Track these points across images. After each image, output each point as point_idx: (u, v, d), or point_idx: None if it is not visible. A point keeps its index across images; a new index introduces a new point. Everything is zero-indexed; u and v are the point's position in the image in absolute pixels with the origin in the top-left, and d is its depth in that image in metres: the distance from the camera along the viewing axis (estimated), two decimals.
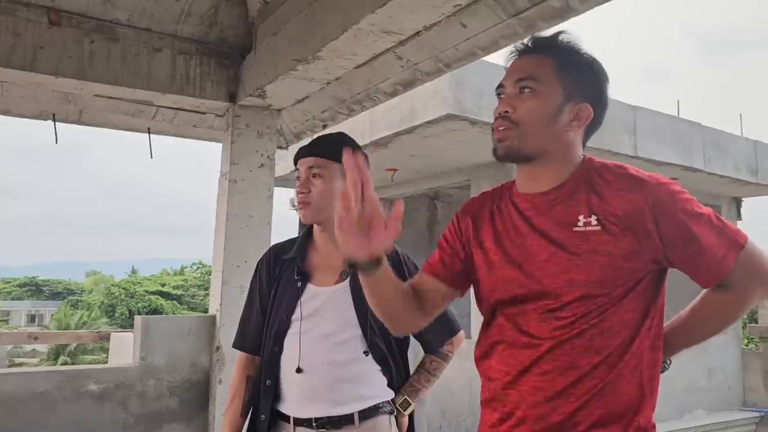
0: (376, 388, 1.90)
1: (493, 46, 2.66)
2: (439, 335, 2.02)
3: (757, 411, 8.13)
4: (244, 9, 3.62)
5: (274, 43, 3.18)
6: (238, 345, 2.04)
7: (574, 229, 1.29)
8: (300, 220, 1.99)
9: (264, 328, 1.96)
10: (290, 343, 1.88)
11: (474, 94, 5.19)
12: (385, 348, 1.90)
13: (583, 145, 1.41)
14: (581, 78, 1.37)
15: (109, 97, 3.59)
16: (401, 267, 1.98)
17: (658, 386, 1.31)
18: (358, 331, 1.87)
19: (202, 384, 3.50)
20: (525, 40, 1.43)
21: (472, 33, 2.57)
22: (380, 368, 1.90)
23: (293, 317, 1.89)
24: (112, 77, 3.28)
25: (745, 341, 10.70)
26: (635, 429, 1.25)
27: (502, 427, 1.33)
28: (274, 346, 1.90)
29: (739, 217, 8.91)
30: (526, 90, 1.36)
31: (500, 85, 1.41)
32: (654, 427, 1.30)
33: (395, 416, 1.94)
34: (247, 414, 1.95)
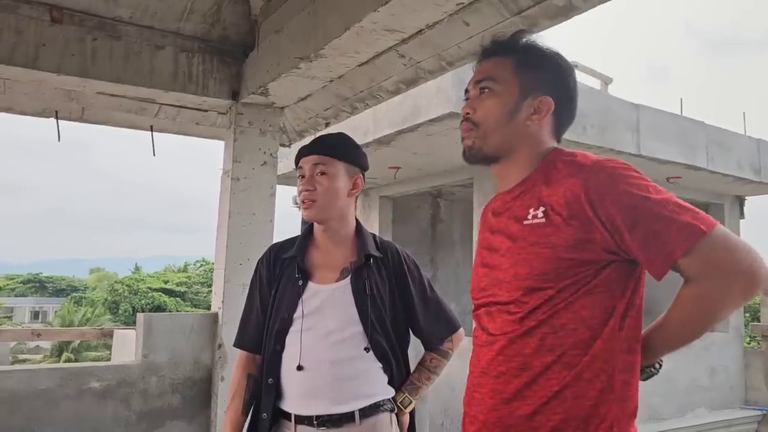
0: (378, 386, 1.91)
1: None
2: (439, 333, 2.04)
3: (759, 409, 8.12)
4: (246, 7, 3.61)
5: (277, 40, 3.18)
6: (238, 344, 2.04)
7: (524, 222, 1.29)
8: (302, 218, 2.01)
9: (264, 327, 1.97)
10: (292, 341, 1.89)
11: None
12: (386, 345, 1.91)
13: (558, 139, 1.41)
14: (540, 73, 1.38)
15: (112, 95, 3.59)
16: (401, 266, 1.99)
17: (635, 391, 1.23)
18: (360, 328, 1.87)
19: (205, 381, 3.50)
20: (486, 43, 1.46)
21: (474, 31, 2.57)
22: (381, 366, 1.91)
23: (295, 315, 1.89)
24: (114, 75, 3.28)
25: (748, 339, 10.69)
26: None
27: (470, 429, 1.33)
28: (276, 344, 1.90)
29: (742, 215, 8.88)
30: (485, 90, 1.39)
31: (466, 90, 1.46)
32: None
33: (396, 414, 1.94)
34: (248, 412, 1.95)
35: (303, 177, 1.96)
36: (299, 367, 1.85)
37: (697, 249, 1.13)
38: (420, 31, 2.56)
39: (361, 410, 1.85)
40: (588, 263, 1.20)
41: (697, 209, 1.19)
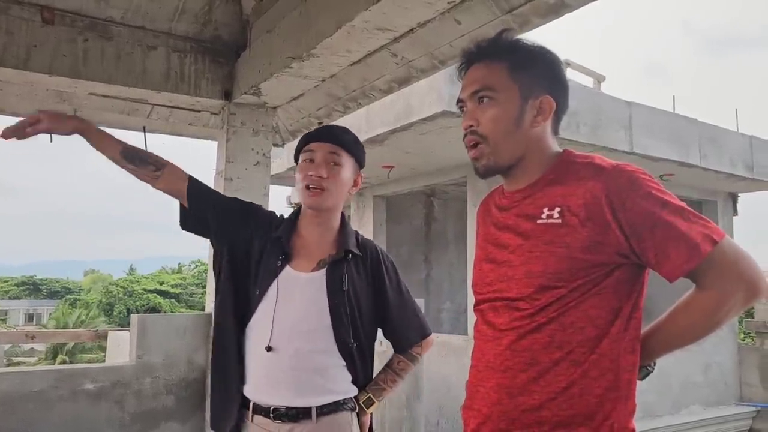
0: (340, 384, 1.88)
1: None
2: (410, 337, 2.04)
3: (753, 405, 8.16)
4: (238, 6, 3.61)
5: (269, 40, 3.18)
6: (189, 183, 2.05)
7: (538, 221, 1.29)
8: (304, 203, 1.98)
9: (216, 222, 1.99)
10: (261, 320, 1.86)
11: None
12: (352, 343, 1.88)
13: (556, 132, 1.42)
14: (535, 71, 1.37)
15: (104, 96, 3.58)
16: (379, 265, 1.98)
17: (635, 390, 1.27)
18: (328, 322, 1.84)
19: (199, 382, 3.50)
20: (471, 48, 1.42)
21: (466, 30, 2.57)
22: (345, 363, 1.87)
23: (268, 295, 1.86)
24: (106, 75, 3.27)
25: (742, 336, 10.74)
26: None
27: (472, 424, 1.33)
28: (242, 314, 1.89)
29: (735, 212, 8.92)
30: (485, 100, 1.35)
31: (459, 100, 1.41)
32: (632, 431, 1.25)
33: (357, 414, 1.92)
34: (128, 158, 1.97)
35: (312, 161, 1.91)
36: (269, 348, 1.82)
37: (712, 257, 1.18)
38: (412, 29, 2.56)
39: (318, 408, 1.82)
40: (600, 265, 1.22)
41: (708, 219, 1.24)
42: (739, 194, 8.91)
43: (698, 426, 7.50)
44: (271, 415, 1.81)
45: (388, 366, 2.04)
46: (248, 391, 1.86)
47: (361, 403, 1.92)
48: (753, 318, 9.14)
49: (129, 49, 3.33)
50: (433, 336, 2.13)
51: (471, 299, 1.52)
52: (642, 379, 1.33)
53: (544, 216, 1.28)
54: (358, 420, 1.92)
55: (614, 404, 1.22)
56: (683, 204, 1.23)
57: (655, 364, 1.36)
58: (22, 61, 3.06)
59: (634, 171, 1.24)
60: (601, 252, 1.22)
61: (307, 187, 1.89)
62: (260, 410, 1.82)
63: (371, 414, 1.99)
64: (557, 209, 1.26)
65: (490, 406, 1.28)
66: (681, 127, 7.02)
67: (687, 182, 7.66)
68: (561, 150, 1.39)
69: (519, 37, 1.42)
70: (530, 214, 1.31)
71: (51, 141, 3.98)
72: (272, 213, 2.09)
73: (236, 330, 1.89)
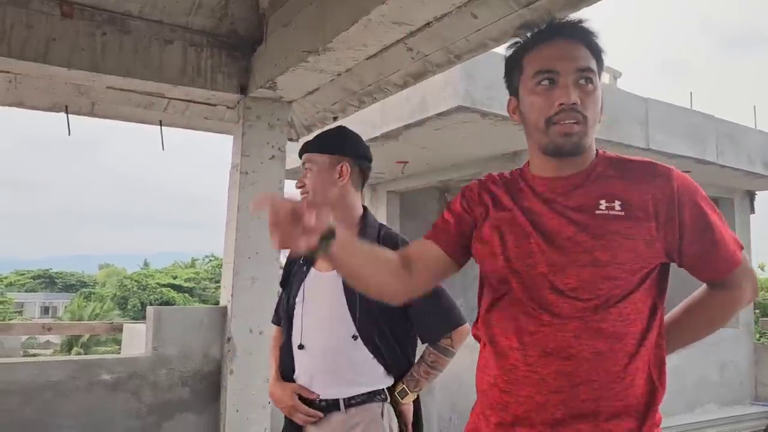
0: (368, 376, 1.93)
1: (504, 37, 2.65)
2: (435, 327, 2.00)
3: None
4: (254, 1, 3.61)
5: (285, 34, 3.18)
6: (274, 320, 2.27)
7: (596, 212, 1.28)
8: None
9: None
10: (296, 322, 2.03)
11: (485, 85, 5.16)
12: (376, 334, 1.92)
13: None
14: (600, 66, 1.37)
15: (121, 89, 3.61)
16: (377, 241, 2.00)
17: (666, 383, 1.30)
18: (348, 316, 1.92)
19: (214, 374, 3.52)
20: (563, 22, 1.38)
21: (483, 24, 2.56)
22: (373, 355, 1.92)
23: (297, 299, 2.03)
24: (123, 69, 3.29)
25: (758, 336, 10.63)
26: (653, 422, 1.25)
27: (517, 411, 1.28)
28: (286, 324, 2.07)
29: (752, 210, 8.82)
30: (588, 82, 1.31)
31: (551, 70, 1.31)
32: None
33: (394, 404, 1.95)
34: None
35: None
36: (300, 346, 1.97)
37: (743, 257, 1.32)
38: (428, 23, 2.55)
39: (346, 399, 1.89)
40: (652, 260, 1.27)
41: None
42: (756, 192, 8.81)
43: (713, 425, 7.44)
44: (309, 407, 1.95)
45: (421, 358, 2.03)
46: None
47: (395, 393, 1.96)
48: None
49: (146, 43, 3.35)
50: (468, 327, 2.00)
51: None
52: None
53: (603, 207, 1.28)
54: (396, 410, 1.96)
55: (656, 395, 1.27)
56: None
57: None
58: (41, 55, 3.09)
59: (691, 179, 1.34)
60: (657, 248, 1.26)
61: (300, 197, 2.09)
62: (304, 402, 1.96)
63: (417, 404, 2.03)
64: (618, 202, 1.27)
65: (546, 394, 1.24)
66: (698, 123, 6.96)
67: (703, 179, 7.58)
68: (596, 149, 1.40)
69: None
70: (585, 204, 1.30)
71: (69, 134, 4.03)
72: None
73: (287, 332, 2.07)
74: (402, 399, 1.96)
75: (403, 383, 1.97)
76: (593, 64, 1.33)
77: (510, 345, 1.30)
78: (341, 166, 2.03)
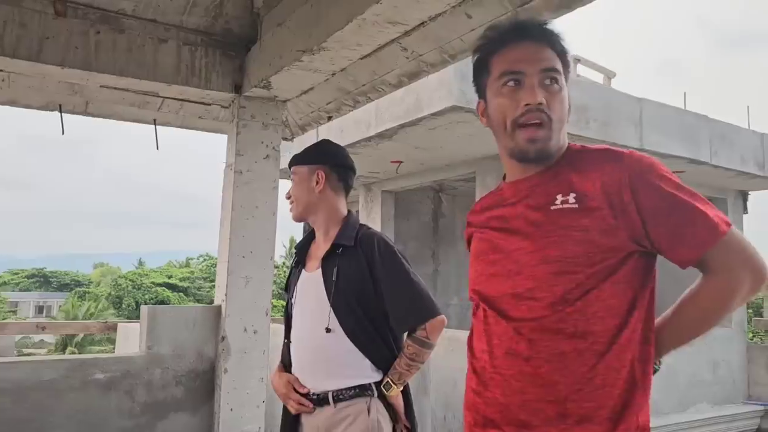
0: (355, 368, 2.02)
1: None
2: (408, 320, 2.06)
3: (761, 404, 8.12)
4: (249, 0, 3.61)
5: (279, 33, 3.18)
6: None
7: (552, 208, 1.28)
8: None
9: None
10: (292, 320, 2.22)
11: None
12: (357, 329, 2.02)
13: None
14: (567, 61, 1.37)
15: (115, 88, 3.60)
16: (372, 253, 2.07)
17: (651, 383, 1.26)
18: (330, 312, 2.05)
19: (208, 373, 3.52)
20: (526, 24, 1.39)
21: (477, 24, 2.57)
22: (356, 347, 2.02)
23: (293, 299, 2.22)
24: (117, 68, 3.28)
25: (750, 335, 10.69)
26: (629, 425, 1.20)
27: (486, 411, 1.30)
28: (287, 321, 2.26)
29: (745, 210, 8.86)
30: (554, 83, 1.31)
31: (516, 71, 1.32)
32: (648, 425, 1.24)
33: (382, 398, 2.02)
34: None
35: None
36: (291, 341, 2.18)
37: (723, 243, 1.20)
38: (422, 23, 2.56)
39: (334, 392, 2.01)
40: (615, 250, 1.22)
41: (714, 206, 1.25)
42: (749, 192, 8.85)
43: (706, 424, 7.47)
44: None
45: (402, 351, 2.08)
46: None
47: (381, 387, 2.02)
48: (762, 317, 9.09)
49: (140, 42, 3.35)
50: (443, 319, 2.08)
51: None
52: None
53: (558, 202, 1.27)
54: (385, 403, 2.03)
55: (634, 395, 1.21)
56: (694, 190, 1.26)
57: (660, 363, 1.35)
58: (34, 53, 3.08)
59: (651, 157, 1.28)
60: (616, 236, 1.21)
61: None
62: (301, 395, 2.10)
63: (407, 396, 2.10)
64: (572, 195, 1.26)
65: (509, 395, 1.25)
66: (692, 124, 6.98)
67: (697, 179, 7.62)
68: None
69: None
70: (539, 203, 1.30)
71: (63, 133, 4.02)
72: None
73: (287, 329, 2.27)
74: (388, 392, 2.02)
75: (387, 376, 2.04)
76: (558, 65, 1.33)
77: (481, 348, 1.34)
78: (317, 174, 2.22)
